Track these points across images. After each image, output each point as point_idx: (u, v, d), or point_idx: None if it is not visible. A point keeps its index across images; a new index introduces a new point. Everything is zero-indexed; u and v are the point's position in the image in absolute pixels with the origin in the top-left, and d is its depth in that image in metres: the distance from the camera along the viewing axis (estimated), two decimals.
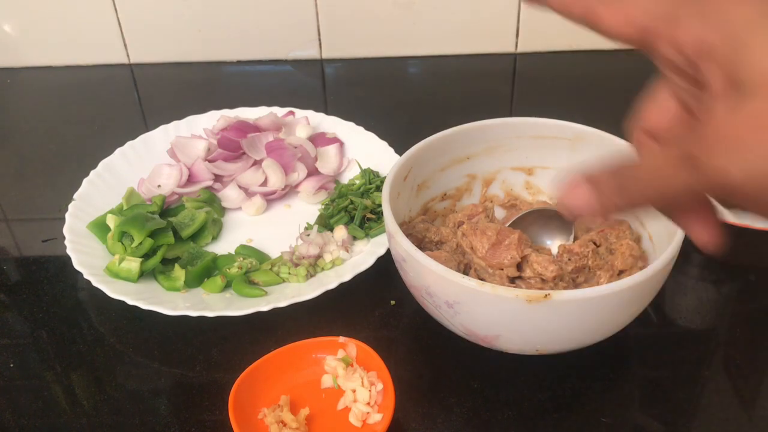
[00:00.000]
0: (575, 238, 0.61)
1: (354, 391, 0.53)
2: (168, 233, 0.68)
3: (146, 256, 0.66)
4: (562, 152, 0.65)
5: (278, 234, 0.71)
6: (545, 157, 0.66)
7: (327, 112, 0.84)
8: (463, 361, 0.58)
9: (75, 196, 0.73)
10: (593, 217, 0.31)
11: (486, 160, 0.67)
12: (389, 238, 0.56)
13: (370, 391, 0.53)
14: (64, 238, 0.67)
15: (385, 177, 0.62)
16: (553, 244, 0.61)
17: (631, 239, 0.59)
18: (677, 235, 0.51)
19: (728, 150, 0.26)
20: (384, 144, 0.78)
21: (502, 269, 0.57)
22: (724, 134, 0.26)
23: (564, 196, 0.31)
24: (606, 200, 0.30)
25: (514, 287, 0.49)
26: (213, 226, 0.72)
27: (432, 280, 0.51)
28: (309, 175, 0.77)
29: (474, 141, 0.65)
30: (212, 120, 0.83)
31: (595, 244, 0.60)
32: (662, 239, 0.56)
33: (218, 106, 0.85)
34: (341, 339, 0.56)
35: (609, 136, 0.62)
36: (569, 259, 0.58)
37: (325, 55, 1.02)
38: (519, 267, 0.57)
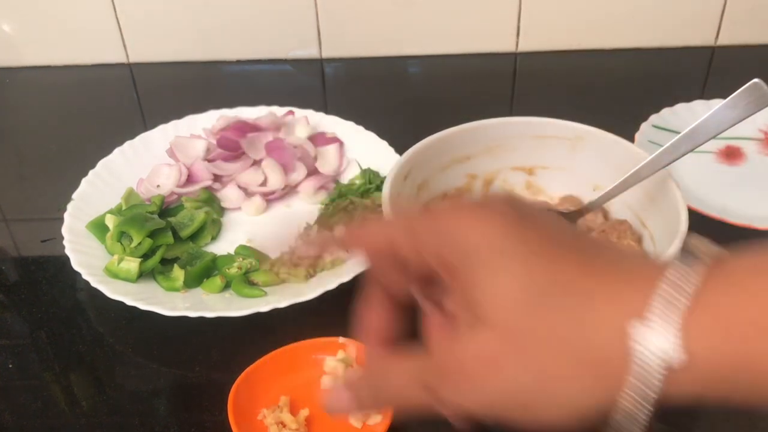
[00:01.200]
0: None
1: None
2: (167, 233, 0.68)
3: (145, 257, 0.66)
4: (563, 152, 0.65)
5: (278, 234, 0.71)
6: (546, 156, 0.66)
7: (327, 112, 0.84)
8: None
9: (74, 196, 0.72)
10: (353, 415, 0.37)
11: (486, 160, 0.66)
12: None
13: None
14: (63, 238, 0.67)
15: (385, 177, 0.62)
16: None
17: (632, 239, 0.59)
18: (679, 235, 0.51)
19: (458, 384, 0.29)
20: (384, 144, 0.78)
21: None
22: (454, 369, 0.30)
23: (326, 399, 0.36)
24: (361, 404, 0.36)
25: None
26: (212, 227, 0.71)
27: None
28: (309, 175, 0.77)
29: (474, 141, 0.65)
30: (212, 120, 0.83)
31: None
32: (664, 239, 0.56)
33: (218, 106, 0.85)
34: (341, 340, 0.56)
35: (609, 136, 0.62)
36: None
37: (325, 54, 1.02)
38: None
